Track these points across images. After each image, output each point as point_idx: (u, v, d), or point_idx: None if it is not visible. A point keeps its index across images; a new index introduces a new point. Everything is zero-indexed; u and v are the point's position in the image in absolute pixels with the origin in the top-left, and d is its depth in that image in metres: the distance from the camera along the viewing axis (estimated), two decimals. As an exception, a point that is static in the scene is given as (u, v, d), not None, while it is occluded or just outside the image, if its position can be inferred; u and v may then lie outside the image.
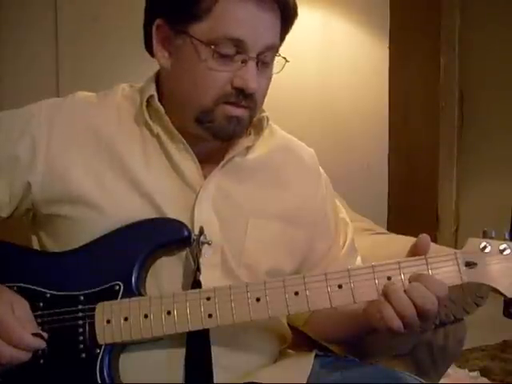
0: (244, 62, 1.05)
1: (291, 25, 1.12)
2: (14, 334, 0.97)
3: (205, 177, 1.12)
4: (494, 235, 1.00)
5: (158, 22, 1.08)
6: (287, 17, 1.10)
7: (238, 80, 1.05)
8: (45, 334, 1.01)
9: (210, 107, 1.06)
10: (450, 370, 1.86)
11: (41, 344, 1.00)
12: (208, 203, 1.11)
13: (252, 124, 1.18)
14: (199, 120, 1.08)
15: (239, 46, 1.04)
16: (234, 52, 1.04)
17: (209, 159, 1.13)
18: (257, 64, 1.06)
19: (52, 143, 1.09)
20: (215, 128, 1.08)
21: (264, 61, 1.07)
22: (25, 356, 0.99)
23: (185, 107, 1.09)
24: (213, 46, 1.03)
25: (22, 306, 1.02)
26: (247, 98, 1.06)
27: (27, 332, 0.99)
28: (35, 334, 0.99)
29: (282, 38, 1.12)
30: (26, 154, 1.09)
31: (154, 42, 1.09)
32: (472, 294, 1.51)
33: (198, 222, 1.08)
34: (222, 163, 1.13)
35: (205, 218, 1.09)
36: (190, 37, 1.05)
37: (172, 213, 1.08)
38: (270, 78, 1.12)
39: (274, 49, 1.09)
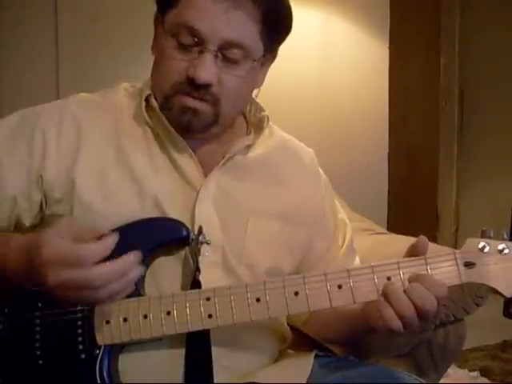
0: (201, 52, 1.05)
1: (279, 32, 1.10)
2: (81, 252, 0.88)
3: (205, 175, 1.12)
4: (492, 235, 1.00)
5: (155, 14, 1.12)
6: (271, 23, 1.07)
7: (191, 69, 1.05)
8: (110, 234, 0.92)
9: (170, 94, 1.08)
10: (450, 370, 1.85)
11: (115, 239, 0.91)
12: (208, 202, 1.11)
13: (252, 123, 1.20)
14: (162, 107, 1.10)
15: (196, 36, 1.04)
16: (192, 42, 1.05)
17: (209, 158, 1.14)
18: (215, 57, 1.05)
19: (61, 143, 1.09)
20: (172, 116, 1.09)
21: (228, 56, 1.06)
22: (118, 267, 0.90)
23: (156, 96, 1.11)
24: (174, 34, 1.05)
25: (52, 233, 0.91)
26: (200, 90, 1.05)
27: (85, 244, 0.89)
28: (98, 238, 0.91)
29: (269, 44, 1.10)
30: (38, 153, 1.09)
31: (153, 35, 1.13)
32: (472, 294, 1.50)
33: (198, 221, 1.08)
34: (222, 161, 1.13)
35: (205, 216, 1.09)
36: (162, 25, 1.08)
37: (173, 212, 1.08)
38: (242, 78, 1.08)
39: (239, 46, 1.05)
